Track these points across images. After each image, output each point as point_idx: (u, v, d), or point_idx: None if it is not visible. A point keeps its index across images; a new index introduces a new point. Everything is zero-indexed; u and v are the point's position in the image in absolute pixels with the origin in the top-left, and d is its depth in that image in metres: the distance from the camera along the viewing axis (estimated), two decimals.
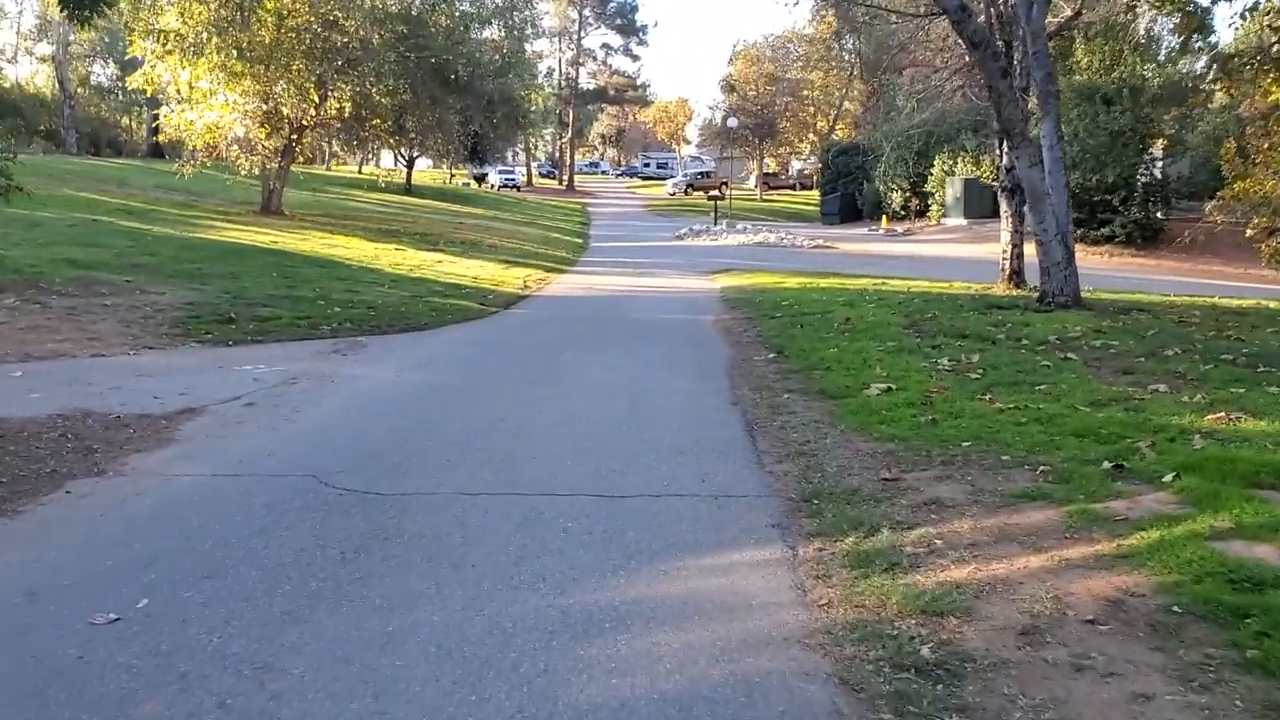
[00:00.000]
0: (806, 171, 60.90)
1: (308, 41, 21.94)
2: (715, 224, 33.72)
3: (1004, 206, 15.11)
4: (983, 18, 13.89)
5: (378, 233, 21.90)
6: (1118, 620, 3.19)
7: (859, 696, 2.77)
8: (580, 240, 28.93)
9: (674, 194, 57.54)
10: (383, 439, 5.68)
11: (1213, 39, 19.72)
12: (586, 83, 68.05)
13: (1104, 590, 3.41)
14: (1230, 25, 45.82)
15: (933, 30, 19.14)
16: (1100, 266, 21.54)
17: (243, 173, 23.34)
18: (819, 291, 14.04)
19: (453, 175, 55.73)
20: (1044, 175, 11.90)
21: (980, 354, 8.39)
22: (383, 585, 3.52)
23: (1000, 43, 13.58)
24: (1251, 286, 18.61)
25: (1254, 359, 8.36)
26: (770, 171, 62.61)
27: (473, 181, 56.82)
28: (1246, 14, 15.59)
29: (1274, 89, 15.61)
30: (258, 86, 21.41)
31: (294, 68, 21.75)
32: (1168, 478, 4.62)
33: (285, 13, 21.20)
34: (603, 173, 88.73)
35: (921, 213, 34.90)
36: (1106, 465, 4.87)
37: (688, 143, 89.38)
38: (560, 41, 65.25)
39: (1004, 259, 15.04)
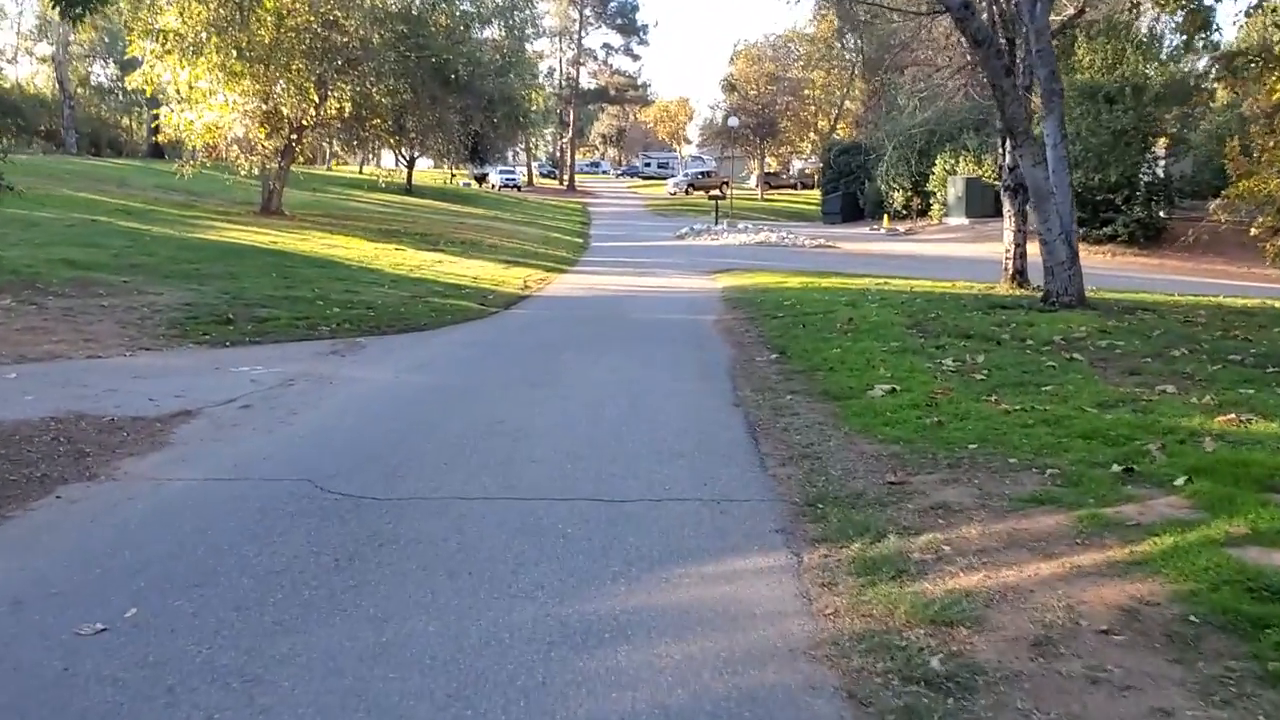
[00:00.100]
0: (808, 171, 60.80)
1: (307, 41, 21.90)
2: (716, 223, 33.67)
3: (1007, 206, 15.04)
4: (985, 15, 13.78)
5: (378, 233, 21.83)
6: (1133, 630, 3.09)
7: (867, 711, 2.67)
8: (581, 240, 28.87)
9: (675, 193, 57.48)
10: (380, 442, 5.59)
11: (1216, 37, 19.68)
12: (587, 82, 68.03)
13: (1118, 599, 3.31)
14: (1234, 23, 45.76)
15: (935, 28, 19.08)
16: (1103, 266, 21.44)
17: (242, 173, 23.30)
18: (821, 291, 13.95)
19: (453, 175, 55.57)
20: (1048, 174, 11.81)
21: (985, 354, 8.29)
22: (377, 594, 3.43)
23: (1003, 40, 13.50)
24: (1256, 286, 18.51)
25: (1262, 359, 8.26)
26: (771, 171, 62.57)
27: (473, 181, 56.72)
28: (1251, 11, 15.53)
29: (1279, 87, 15.53)
30: (257, 86, 21.37)
31: (294, 67, 21.70)
32: (1179, 481, 4.51)
33: (285, 12, 21.14)
34: (603, 172, 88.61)
35: (923, 212, 34.83)
36: (1116, 468, 4.76)
37: (689, 142, 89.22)
38: (561, 41, 65.30)
39: (1007, 258, 14.96)
